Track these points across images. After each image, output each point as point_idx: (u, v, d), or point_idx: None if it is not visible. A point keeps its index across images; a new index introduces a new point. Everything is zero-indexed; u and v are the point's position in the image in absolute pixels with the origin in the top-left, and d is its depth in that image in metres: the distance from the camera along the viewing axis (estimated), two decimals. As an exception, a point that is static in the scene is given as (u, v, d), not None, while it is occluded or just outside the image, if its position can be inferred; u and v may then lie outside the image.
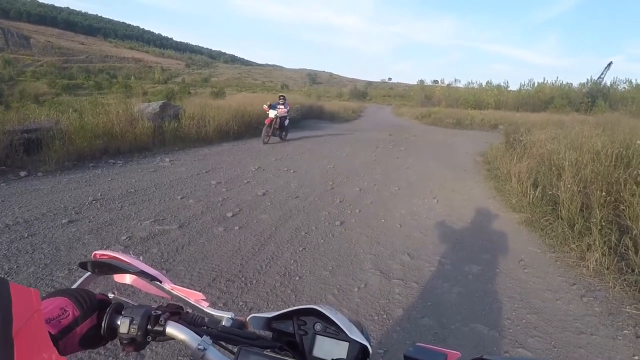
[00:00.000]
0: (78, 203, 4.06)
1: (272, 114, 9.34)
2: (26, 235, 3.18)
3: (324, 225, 3.93)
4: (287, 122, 9.90)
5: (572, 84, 36.02)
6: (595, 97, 29.14)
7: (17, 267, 2.66)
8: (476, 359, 0.50)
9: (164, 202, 4.31)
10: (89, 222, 3.58)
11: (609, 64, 38.52)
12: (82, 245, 3.08)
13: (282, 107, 9.58)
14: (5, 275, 2.53)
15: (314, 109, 18.26)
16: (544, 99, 31.38)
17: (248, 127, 10.62)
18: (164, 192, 4.70)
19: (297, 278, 2.80)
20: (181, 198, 4.48)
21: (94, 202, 4.14)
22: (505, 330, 2.31)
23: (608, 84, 34.03)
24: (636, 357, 2.08)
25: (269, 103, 9.72)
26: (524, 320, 2.41)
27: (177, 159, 6.82)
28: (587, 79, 35.57)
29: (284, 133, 9.97)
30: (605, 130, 6.49)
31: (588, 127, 6.50)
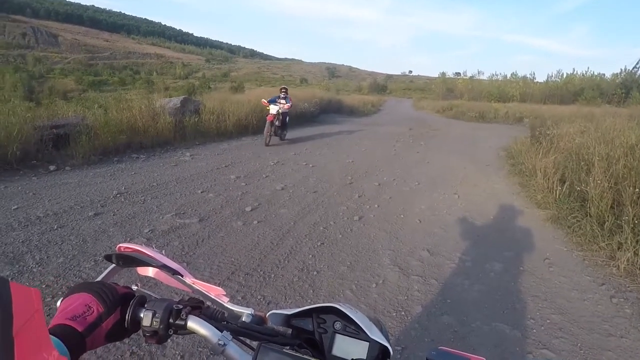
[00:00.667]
0: (103, 196, 4.20)
1: (273, 109, 8.18)
2: (55, 227, 3.31)
3: (342, 220, 3.91)
4: (287, 119, 8.77)
5: (604, 74, 34.44)
6: (629, 88, 27.75)
7: (47, 257, 2.77)
8: None
9: (185, 196, 4.40)
10: (114, 215, 3.70)
11: (645, 54, 36.51)
12: (107, 237, 3.19)
13: (283, 101, 8.48)
14: (37, 265, 2.65)
15: (332, 103, 18.18)
16: (573, 91, 30.13)
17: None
18: (184, 186, 4.79)
19: (315, 273, 2.81)
20: (201, 192, 4.55)
21: (118, 195, 4.26)
22: (529, 331, 2.24)
23: (644, 74, 32.33)
24: (670, 363, 1.98)
25: (269, 98, 8.67)
26: (548, 321, 2.33)
27: (197, 153, 6.93)
28: (621, 69, 33.90)
29: (285, 132, 8.87)
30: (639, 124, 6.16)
31: (621, 120, 6.19)
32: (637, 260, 2.87)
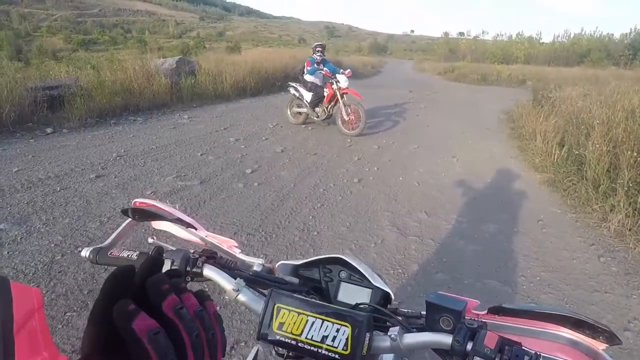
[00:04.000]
0: (103, 159, 4.20)
1: (343, 82, 5.87)
2: (58, 189, 3.35)
3: (342, 182, 3.96)
4: None
5: (612, 35, 33.35)
6: (637, 49, 26.94)
7: (53, 218, 2.83)
8: (495, 306, 0.52)
9: (185, 158, 4.41)
10: (115, 177, 3.72)
11: (657, 12, 35.11)
12: (110, 199, 3.24)
13: (340, 71, 6.24)
14: (44, 226, 2.71)
15: (332, 63, 17.64)
16: (580, 52, 29.29)
17: (265, 83, 10.44)
18: (184, 148, 4.78)
19: (316, 233, 2.89)
20: (201, 155, 4.56)
21: (118, 158, 4.27)
22: (519, 287, 2.35)
23: (653, 34, 31.28)
24: (650, 315, 2.10)
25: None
26: (538, 278, 2.44)
27: (195, 115, 6.85)
28: (630, 29, 32.73)
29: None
30: (643, 86, 6.07)
31: (625, 83, 6.09)
32: (628, 222, 2.96)
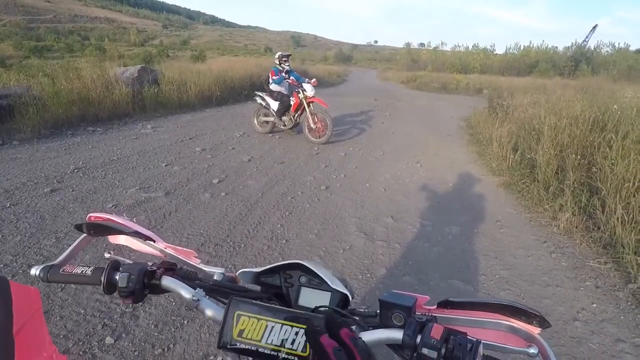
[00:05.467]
0: (59, 172, 3.99)
1: (309, 90, 5.96)
2: (8, 204, 3.14)
3: (309, 190, 3.99)
4: None
5: (557, 47, 36.07)
6: (578, 61, 29.24)
7: (2, 236, 2.65)
8: (443, 301, 0.56)
9: (149, 169, 4.27)
10: (73, 190, 3.54)
11: (594, 27, 38.49)
12: (67, 213, 3.07)
13: (303, 81, 6.23)
14: (-8, 245, 2.53)
15: (297, 73, 17.76)
16: (529, 63, 31.36)
17: (231, 93, 10.34)
18: (147, 159, 4.64)
19: (284, 241, 2.89)
20: (166, 165, 4.44)
21: (75, 170, 4.06)
22: (480, 285, 2.47)
23: (592, 47, 34.14)
24: (595, 305, 2.28)
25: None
26: (497, 276, 2.58)
27: (159, 125, 6.66)
28: (572, 43, 35.56)
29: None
30: (585, 95, 6.60)
31: (569, 92, 6.60)
32: (574, 220, 3.20)
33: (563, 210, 3.34)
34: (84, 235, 0.70)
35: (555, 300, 2.33)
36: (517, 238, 3.15)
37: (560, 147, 4.16)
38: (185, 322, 1.95)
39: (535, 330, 0.51)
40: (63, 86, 6.55)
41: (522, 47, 36.67)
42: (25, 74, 7.63)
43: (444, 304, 0.56)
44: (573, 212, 3.25)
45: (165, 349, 1.79)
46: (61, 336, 1.80)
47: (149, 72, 8.69)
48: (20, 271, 2.28)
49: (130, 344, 1.80)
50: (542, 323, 0.50)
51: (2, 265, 2.31)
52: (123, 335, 1.85)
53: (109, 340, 1.81)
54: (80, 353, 1.72)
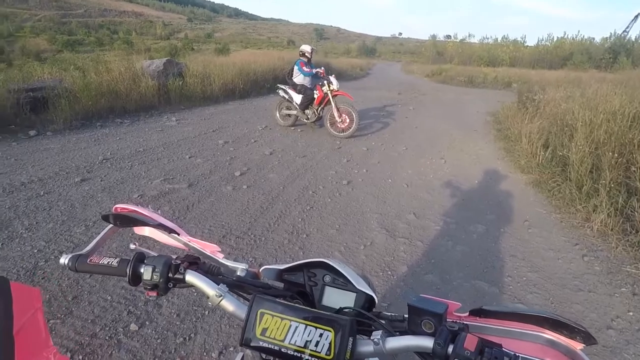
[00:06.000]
0: (89, 162, 4.13)
1: (334, 84, 5.92)
2: (42, 193, 3.27)
3: (331, 185, 3.96)
4: None
5: (594, 38, 34.29)
6: (617, 53, 27.72)
7: (36, 223, 2.77)
8: (476, 309, 0.53)
9: (173, 161, 4.36)
10: (101, 180, 3.66)
11: (636, 17, 36.29)
12: (96, 203, 3.18)
13: (319, 70, 6.26)
14: (27, 231, 2.65)
15: (320, 65, 17.68)
16: (563, 55, 30.00)
17: (254, 85, 10.40)
18: (172, 151, 4.73)
19: (305, 236, 2.88)
20: (189, 157, 4.51)
21: (104, 161, 4.20)
22: (506, 287, 2.39)
23: (633, 38, 32.23)
24: (631, 313, 2.16)
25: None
26: (524, 278, 2.48)
27: (183, 118, 6.78)
28: (610, 33, 33.70)
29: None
30: (625, 89, 6.23)
31: (607, 86, 6.24)
32: (610, 222, 3.03)
33: (597, 212, 3.18)
34: (111, 225, 0.71)
35: (587, 306, 2.22)
36: (547, 239, 3.02)
37: (596, 144, 3.95)
38: (207, 312, 1.98)
39: (577, 346, 0.47)
40: (93, 79, 6.77)
41: (555, 39, 35.10)
42: (58, 67, 7.94)
43: (477, 312, 0.53)
44: (609, 214, 3.08)
45: (187, 338, 1.82)
46: (89, 321, 1.87)
47: (174, 65, 8.85)
48: (52, 257, 2.37)
49: (153, 332, 1.84)
50: (587, 339, 0.46)
51: (35, 251, 2.41)
52: (147, 322, 1.89)
53: (133, 327, 1.86)
54: (107, 338, 1.78)
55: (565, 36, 34.98)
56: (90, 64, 8.13)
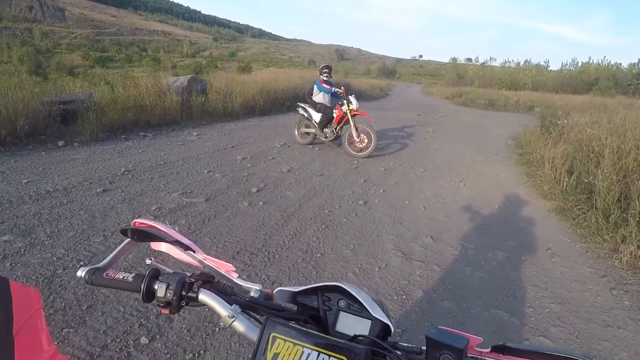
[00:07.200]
0: (111, 173, 4.25)
1: (353, 104, 5.95)
2: (65, 202, 3.37)
3: (347, 204, 3.94)
4: None
5: (620, 64, 33.59)
6: (645, 79, 27.02)
7: (57, 231, 2.84)
8: (499, 345, 0.50)
9: (191, 175, 4.44)
10: (122, 192, 3.75)
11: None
12: (115, 213, 3.25)
13: (338, 90, 6.49)
14: (48, 238, 2.71)
15: (340, 85, 17.94)
16: (588, 80, 29.44)
17: (274, 103, 10.61)
18: (191, 165, 4.82)
19: (319, 255, 2.85)
20: (208, 172, 4.59)
21: (126, 172, 4.31)
22: (527, 318, 2.27)
23: (661, 64, 31.41)
24: (666, 354, 2.01)
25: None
26: (547, 310, 2.36)
27: (204, 133, 6.94)
28: (639, 59, 32.95)
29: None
30: (653, 116, 6.04)
31: (635, 112, 6.06)
32: (640, 254, 2.88)
33: (626, 242, 3.02)
34: (128, 239, 0.71)
35: (616, 344, 2.08)
36: (571, 269, 2.88)
37: (624, 172, 3.80)
38: (217, 329, 1.96)
39: None
40: (120, 93, 7.06)
41: (580, 63, 34.57)
42: (89, 82, 8.34)
43: (500, 349, 0.50)
44: (639, 245, 2.93)
45: (196, 355, 1.79)
46: (101, 331, 1.87)
47: (198, 82, 9.14)
48: (70, 265, 2.42)
49: (163, 346, 1.82)
50: None
51: (55, 259, 2.47)
52: (157, 336, 1.88)
53: (144, 340, 1.85)
54: (117, 350, 1.77)
55: (591, 61, 34.46)
56: (119, 79, 8.50)
